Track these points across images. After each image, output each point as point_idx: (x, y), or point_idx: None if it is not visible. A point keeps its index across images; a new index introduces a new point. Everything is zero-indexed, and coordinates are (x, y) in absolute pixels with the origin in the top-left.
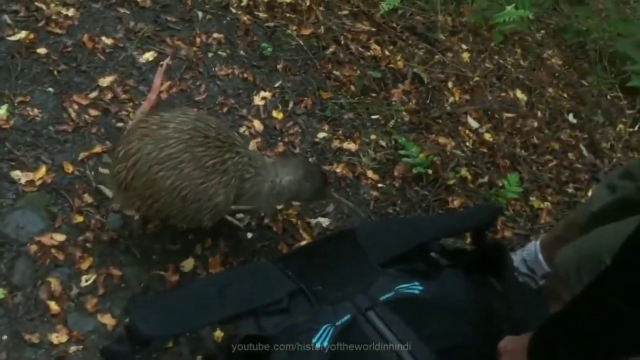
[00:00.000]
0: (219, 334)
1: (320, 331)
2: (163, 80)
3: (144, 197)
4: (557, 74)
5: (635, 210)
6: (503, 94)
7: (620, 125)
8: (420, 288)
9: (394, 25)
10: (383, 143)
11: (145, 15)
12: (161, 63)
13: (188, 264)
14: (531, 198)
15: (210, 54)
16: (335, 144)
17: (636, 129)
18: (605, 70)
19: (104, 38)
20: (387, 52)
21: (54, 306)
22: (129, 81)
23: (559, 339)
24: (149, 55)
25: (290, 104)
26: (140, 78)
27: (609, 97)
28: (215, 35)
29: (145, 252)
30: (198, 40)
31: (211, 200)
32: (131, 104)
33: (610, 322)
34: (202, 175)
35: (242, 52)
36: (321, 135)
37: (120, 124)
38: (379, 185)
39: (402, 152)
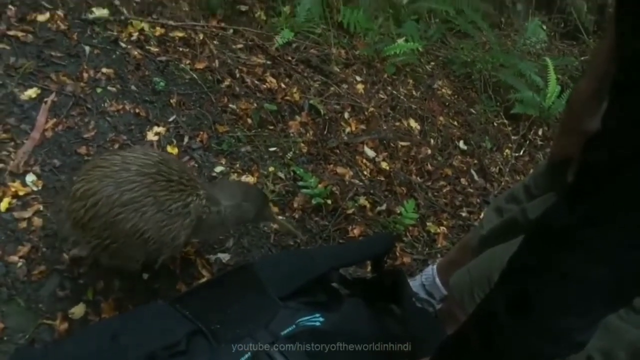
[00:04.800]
0: None
1: None
2: (48, 118)
3: (101, 237)
4: (447, 103)
5: (521, 231)
6: (397, 123)
7: (507, 150)
8: (322, 319)
9: (289, 58)
10: (282, 175)
11: (27, 50)
12: (45, 100)
13: (78, 310)
14: (428, 223)
15: (99, 90)
16: (233, 177)
17: (521, 153)
18: (490, 98)
19: None
20: (283, 85)
21: None
22: (10, 119)
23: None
24: (31, 92)
25: (186, 139)
26: (22, 116)
27: (495, 124)
28: (104, 70)
29: (30, 300)
30: (85, 75)
31: (174, 241)
32: (12, 143)
33: (496, 337)
34: (164, 218)
35: (133, 87)
36: (218, 169)
37: (0, 165)
38: (279, 217)
39: (300, 183)
